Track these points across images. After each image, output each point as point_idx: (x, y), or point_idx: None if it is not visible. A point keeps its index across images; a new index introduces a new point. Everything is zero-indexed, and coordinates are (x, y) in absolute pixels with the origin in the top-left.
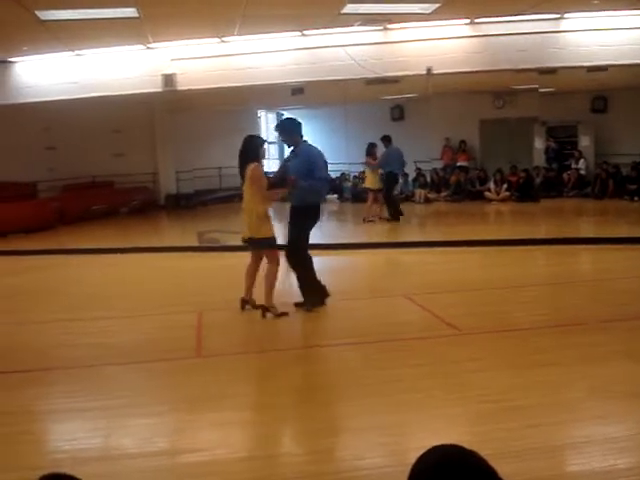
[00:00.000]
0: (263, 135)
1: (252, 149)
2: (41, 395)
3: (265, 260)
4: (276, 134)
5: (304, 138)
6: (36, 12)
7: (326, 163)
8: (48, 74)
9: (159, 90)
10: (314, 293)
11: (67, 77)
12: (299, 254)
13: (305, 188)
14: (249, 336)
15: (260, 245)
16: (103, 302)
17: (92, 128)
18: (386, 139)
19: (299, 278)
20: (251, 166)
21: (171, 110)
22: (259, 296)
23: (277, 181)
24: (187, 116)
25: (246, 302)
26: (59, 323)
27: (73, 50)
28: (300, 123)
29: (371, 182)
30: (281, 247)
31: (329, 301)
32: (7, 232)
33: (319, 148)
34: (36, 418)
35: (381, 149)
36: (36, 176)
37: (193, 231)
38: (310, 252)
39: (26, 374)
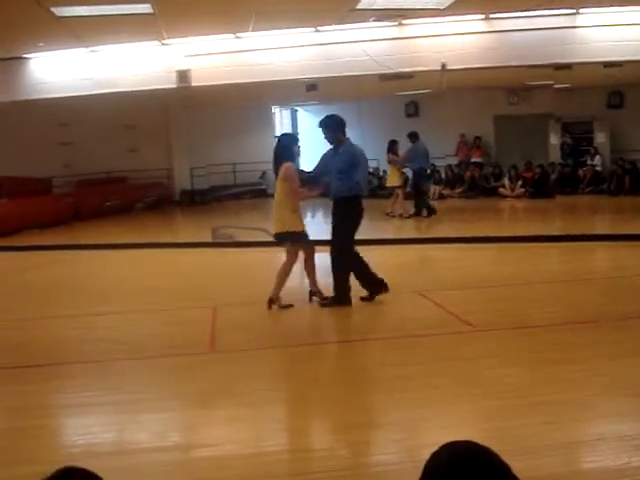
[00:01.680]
0: (277, 131)
1: (286, 149)
2: (55, 390)
3: (303, 251)
4: (320, 130)
5: (347, 136)
6: (51, 8)
7: (367, 166)
8: (63, 70)
9: (173, 86)
10: (344, 292)
11: (82, 73)
12: (338, 249)
13: (335, 183)
14: (263, 332)
15: (284, 238)
16: (117, 297)
17: (107, 124)
18: (414, 135)
19: (336, 275)
20: (285, 165)
21: (185, 106)
22: (285, 292)
23: (310, 179)
24: (201, 112)
25: (313, 293)
26: (73, 318)
27: (88, 46)
28: (344, 121)
29: (393, 179)
30: (309, 242)
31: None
32: (22, 227)
33: (360, 147)
34: (50, 412)
35: (405, 145)
36: (51, 172)
37: (207, 227)
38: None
39: (41, 369)
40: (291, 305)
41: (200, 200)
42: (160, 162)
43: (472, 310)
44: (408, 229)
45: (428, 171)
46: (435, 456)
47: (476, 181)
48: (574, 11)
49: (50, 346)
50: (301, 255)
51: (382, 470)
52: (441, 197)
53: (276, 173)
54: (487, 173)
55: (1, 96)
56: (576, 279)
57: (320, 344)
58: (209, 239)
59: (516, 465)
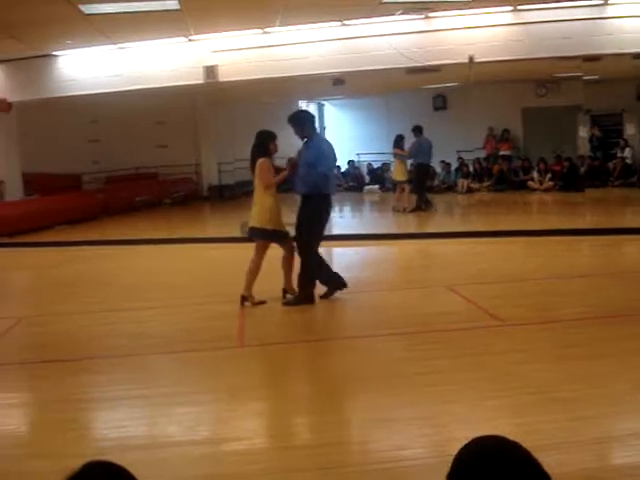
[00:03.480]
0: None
1: (262, 144)
2: (86, 384)
3: (289, 249)
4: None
5: (317, 131)
6: (80, 6)
7: (335, 160)
8: (92, 67)
9: (201, 82)
10: (309, 290)
11: (110, 70)
12: (304, 245)
13: (302, 177)
14: (290, 326)
15: (254, 234)
16: (147, 292)
17: (135, 120)
18: (417, 129)
19: (302, 270)
20: (259, 161)
21: (213, 102)
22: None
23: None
24: (228, 107)
25: (286, 292)
26: (103, 313)
27: (116, 43)
28: (313, 115)
29: (399, 174)
30: (286, 241)
31: (372, 291)
32: (53, 223)
33: (330, 141)
34: (82, 406)
35: (411, 140)
36: (81, 168)
37: (235, 222)
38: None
39: (71, 363)
40: (264, 302)
41: (228, 195)
42: (188, 158)
43: (501, 304)
44: (437, 223)
45: (429, 166)
46: (464, 451)
47: (504, 174)
48: (603, 2)
49: (81, 341)
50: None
51: (411, 465)
52: (469, 191)
53: (252, 170)
54: (516, 166)
55: (31, 94)
56: (606, 273)
57: (349, 338)
58: (237, 234)
59: (546, 460)
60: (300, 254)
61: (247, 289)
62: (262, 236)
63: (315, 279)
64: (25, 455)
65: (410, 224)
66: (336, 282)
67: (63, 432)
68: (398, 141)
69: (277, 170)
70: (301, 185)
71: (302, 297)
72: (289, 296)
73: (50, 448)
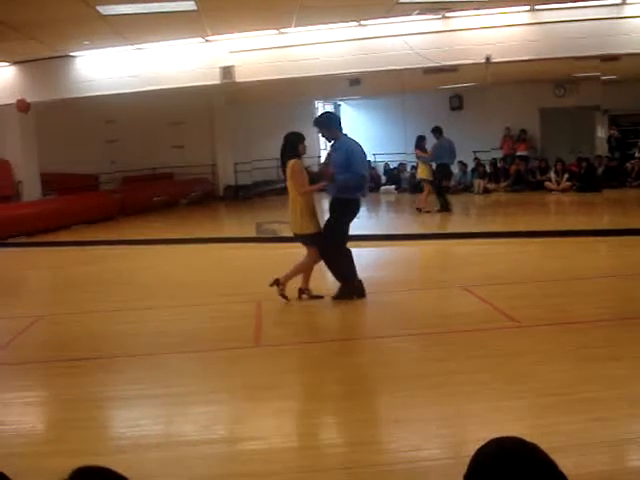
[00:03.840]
0: None
1: (291, 146)
2: (104, 382)
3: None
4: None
5: (344, 132)
6: (97, 7)
7: (366, 157)
8: (109, 68)
9: (217, 82)
10: (350, 283)
11: (127, 71)
12: (331, 245)
13: (340, 182)
14: (307, 326)
15: (304, 241)
16: (163, 292)
17: (152, 121)
18: (437, 131)
19: (332, 267)
20: (290, 162)
21: (229, 102)
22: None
23: (317, 174)
24: (245, 108)
25: (302, 292)
26: (121, 312)
27: (133, 44)
28: (338, 117)
29: (424, 172)
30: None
31: (389, 292)
32: (70, 223)
33: (359, 142)
34: (99, 405)
35: (431, 141)
36: (98, 168)
37: (251, 222)
38: (364, 244)
39: (89, 362)
40: (287, 298)
41: (244, 195)
42: (204, 158)
43: (518, 305)
44: (453, 224)
45: (450, 167)
46: (481, 452)
47: (522, 175)
48: (621, 1)
49: (98, 340)
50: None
51: (428, 465)
52: (486, 191)
53: (284, 172)
54: (533, 167)
55: (48, 94)
56: (624, 274)
57: (364, 338)
58: (253, 234)
59: (563, 462)
60: (322, 253)
61: (285, 278)
62: (311, 241)
63: (349, 271)
64: (43, 453)
65: (427, 225)
66: (354, 288)
67: (81, 430)
68: (418, 142)
69: (309, 174)
70: (333, 188)
71: (349, 289)
72: (304, 296)
73: (68, 446)
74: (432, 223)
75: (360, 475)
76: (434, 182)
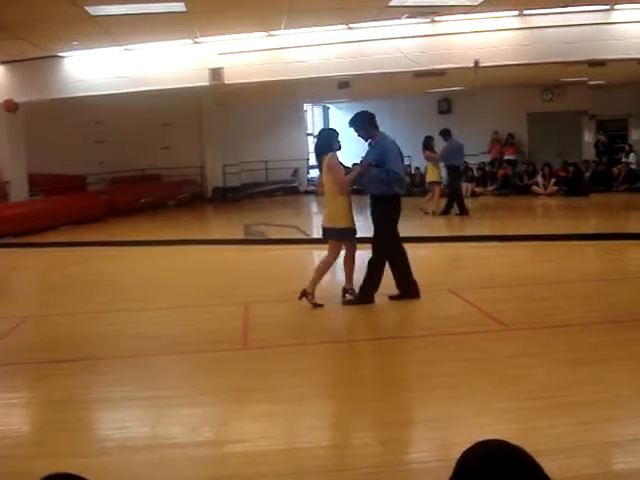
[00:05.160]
0: (309, 128)
1: (326, 141)
2: (89, 384)
3: (346, 248)
4: (352, 130)
5: (380, 129)
6: (86, 7)
7: (401, 156)
8: (98, 69)
9: (206, 84)
10: (369, 294)
11: (116, 72)
12: (382, 245)
13: (374, 176)
14: (295, 328)
15: (328, 234)
16: (150, 293)
17: (141, 122)
18: (446, 132)
19: (370, 270)
20: (327, 156)
21: (218, 104)
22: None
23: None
24: (234, 110)
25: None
26: (108, 314)
27: (122, 45)
28: (373, 115)
29: (432, 174)
30: (352, 240)
31: (376, 294)
32: (57, 224)
33: (393, 139)
34: (85, 406)
35: (440, 143)
36: (86, 169)
37: (240, 224)
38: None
39: (75, 363)
40: (321, 305)
41: (232, 197)
42: (193, 160)
43: (505, 309)
44: (440, 227)
45: (461, 168)
46: (466, 455)
47: (509, 179)
48: (609, 7)
49: (85, 341)
50: (342, 251)
51: (415, 468)
52: (473, 195)
53: (320, 167)
54: (520, 171)
55: (37, 94)
56: (611, 278)
57: (353, 341)
58: (241, 236)
59: (548, 465)
60: (375, 253)
61: (311, 285)
62: (336, 235)
63: (379, 282)
64: (28, 455)
65: (413, 227)
66: (408, 290)
67: (66, 432)
68: (427, 142)
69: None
70: (371, 186)
71: (361, 298)
72: (348, 296)
73: (53, 448)
74: (420, 226)
75: (345, 478)
76: (449, 185)
